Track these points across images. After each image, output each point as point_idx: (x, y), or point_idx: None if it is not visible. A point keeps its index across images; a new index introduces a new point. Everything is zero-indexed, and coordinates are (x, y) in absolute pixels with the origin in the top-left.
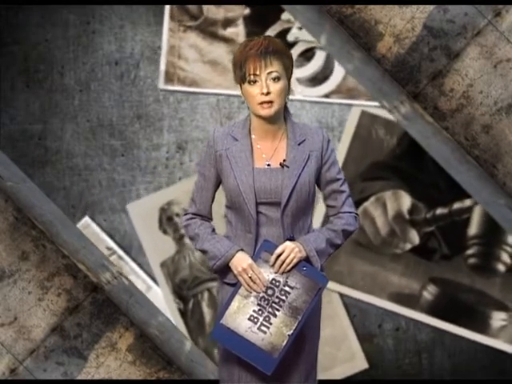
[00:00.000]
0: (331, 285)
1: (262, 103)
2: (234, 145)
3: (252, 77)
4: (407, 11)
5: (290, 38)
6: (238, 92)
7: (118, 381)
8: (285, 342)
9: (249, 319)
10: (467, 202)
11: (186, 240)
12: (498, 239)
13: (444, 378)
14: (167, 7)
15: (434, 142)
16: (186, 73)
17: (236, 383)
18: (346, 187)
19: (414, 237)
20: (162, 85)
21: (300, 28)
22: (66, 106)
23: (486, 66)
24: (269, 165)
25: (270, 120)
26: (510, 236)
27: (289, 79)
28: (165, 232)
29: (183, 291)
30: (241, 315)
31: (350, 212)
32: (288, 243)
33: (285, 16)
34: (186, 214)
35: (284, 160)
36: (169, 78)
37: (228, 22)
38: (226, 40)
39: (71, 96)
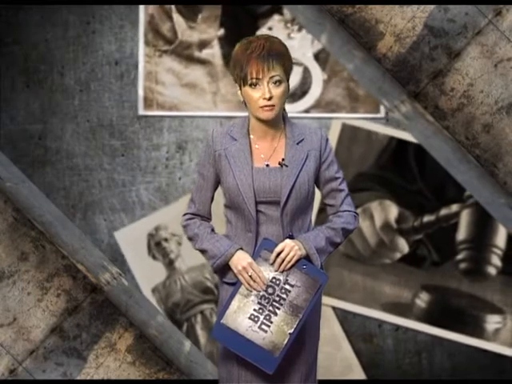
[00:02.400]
0: (324, 299)
1: (263, 107)
2: (232, 144)
3: (254, 80)
4: (408, 10)
5: None
6: (217, 113)
7: (118, 381)
8: (286, 340)
9: (249, 318)
10: (454, 208)
11: (176, 264)
12: (488, 242)
13: (444, 378)
14: (141, 33)
15: (435, 141)
16: (165, 97)
17: (235, 383)
18: (344, 186)
19: (403, 246)
20: (141, 111)
21: None
22: (66, 106)
23: (486, 65)
24: (268, 165)
25: (269, 122)
26: (499, 238)
27: (288, 80)
28: (154, 257)
29: (176, 315)
30: (241, 314)
31: (349, 211)
32: (288, 241)
33: (259, 34)
34: (185, 215)
35: (283, 159)
36: (148, 104)
37: (203, 44)
38: (203, 62)
39: (71, 96)
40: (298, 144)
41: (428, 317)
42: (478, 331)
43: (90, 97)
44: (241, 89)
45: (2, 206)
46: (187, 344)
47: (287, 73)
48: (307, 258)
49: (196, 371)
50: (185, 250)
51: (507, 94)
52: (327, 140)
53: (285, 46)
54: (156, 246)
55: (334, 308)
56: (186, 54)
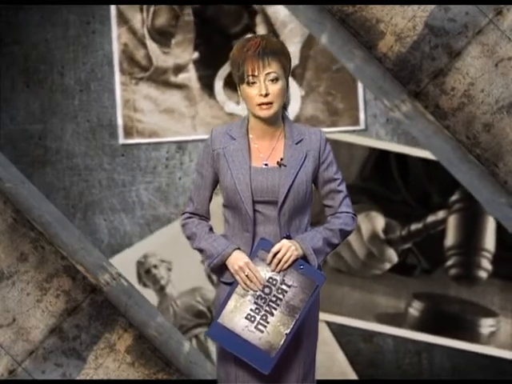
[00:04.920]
0: None
1: (260, 104)
2: (231, 144)
3: (250, 78)
4: (408, 10)
5: None
6: (197, 137)
7: (117, 381)
8: (282, 341)
9: (246, 318)
10: (440, 214)
11: (167, 290)
12: (476, 246)
13: (444, 378)
14: (116, 62)
15: (435, 140)
16: (144, 124)
17: (233, 383)
18: (343, 187)
19: (392, 255)
20: (121, 140)
21: None
22: (66, 106)
23: (487, 64)
24: (266, 164)
25: (268, 120)
26: (488, 242)
27: (287, 78)
28: (145, 285)
29: None
30: (238, 314)
31: (347, 212)
32: (285, 241)
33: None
34: (183, 214)
35: (281, 159)
36: (127, 132)
37: (179, 69)
38: (179, 86)
39: (71, 96)
40: (296, 144)
41: (422, 325)
42: (473, 336)
43: (90, 97)
44: (239, 88)
45: (1, 207)
46: (186, 344)
47: (285, 70)
48: (304, 258)
49: (195, 372)
50: (175, 276)
51: (508, 93)
52: (326, 141)
53: (282, 43)
54: (146, 274)
55: (328, 323)
56: (162, 79)
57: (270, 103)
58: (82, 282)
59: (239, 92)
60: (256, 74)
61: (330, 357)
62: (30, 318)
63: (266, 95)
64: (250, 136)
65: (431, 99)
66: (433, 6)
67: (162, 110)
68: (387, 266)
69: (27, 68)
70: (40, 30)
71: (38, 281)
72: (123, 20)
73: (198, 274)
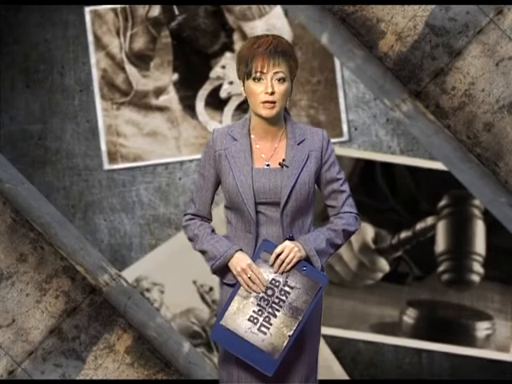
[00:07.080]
0: None
1: (264, 102)
2: (233, 144)
3: (258, 74)
4: (409, 9)
5: (223, 94)
6: (181, 158)
7: (116, 382)
8: (285, 342)
9: (249, 320)
10: (429, 221)
11: (161, 312)
12: (467, 250)
13: (443, 378)
14: (96, 88)
15: (436, 140)
16: (128, 149)
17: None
18: (346, 187)
19: (384, 265)
20: (106, 165)
21: (231, 82)
22: (66, 106)
23: (487, 64)
24: (268, 165)
25: (270, 120)
26: (478, 245)
27: (292, 81)
28: None
29: None
30: (240, 316)
31: (350, 212)
32: (287, 243)
33: (213, 74)
34: (185, 215)
35: (283, 160)
36: (112, 158)
37: (159, 91)
38: (161, 109)
39: (71, 96)
40: (299, 144)
41: (418, 332)
42: (469, 340)
43: (90, 97)
44: (244, 84)
45: (0, 208)
46: (186, 345)
47: (292, 73)
48: (307, 259)
49: (195, 372)
50: (168, 298)
51: (508, 92)
52: (329, 141)
53: (292, 46)
54: None
55: (323, 336)
56: (143, 103)
57: (274, 102)
58: (81, 282)
59: (243, 88)
60: (265, 71)
61: (330, 358)
62: (30, 319)
63: (272, 93)
64: (252, 136)
65: (432, 99)
66: (433, 6)
67: (145, 134)
68: (379, 275)
69: (27, 68)
70: (40, 30)
71: (37, 281)
72: (101, 46)
73: (190, 295)
